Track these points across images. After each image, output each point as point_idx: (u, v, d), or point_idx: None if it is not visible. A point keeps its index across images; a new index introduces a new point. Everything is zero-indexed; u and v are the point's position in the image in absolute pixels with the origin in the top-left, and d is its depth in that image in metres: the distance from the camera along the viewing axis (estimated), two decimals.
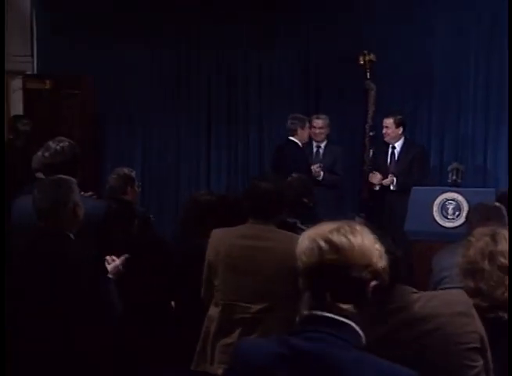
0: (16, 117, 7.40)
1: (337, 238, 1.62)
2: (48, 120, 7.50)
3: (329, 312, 1.63)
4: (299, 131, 6.70)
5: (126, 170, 4.99)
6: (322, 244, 1.62)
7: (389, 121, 6.56)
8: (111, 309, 3.12)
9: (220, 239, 3.47)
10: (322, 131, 6.87)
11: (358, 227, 1.67)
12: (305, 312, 1.66)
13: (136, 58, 7.80)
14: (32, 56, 7.74)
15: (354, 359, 1.57)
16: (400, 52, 7.27)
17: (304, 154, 6.74)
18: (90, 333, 2.95)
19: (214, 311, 3.45)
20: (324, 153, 6.94)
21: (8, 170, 6.82)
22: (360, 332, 1.64)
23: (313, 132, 6.88)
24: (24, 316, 2.97)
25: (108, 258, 3.41)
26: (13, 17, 7.39)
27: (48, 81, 7.56)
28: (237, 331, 3.35)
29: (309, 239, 1.65)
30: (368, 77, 6.84)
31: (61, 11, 7.58)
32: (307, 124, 6.78)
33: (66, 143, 3.92)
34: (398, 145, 6.63)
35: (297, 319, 1.69)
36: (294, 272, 3.29)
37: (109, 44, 7.62)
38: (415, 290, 2.17)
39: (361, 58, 6.85)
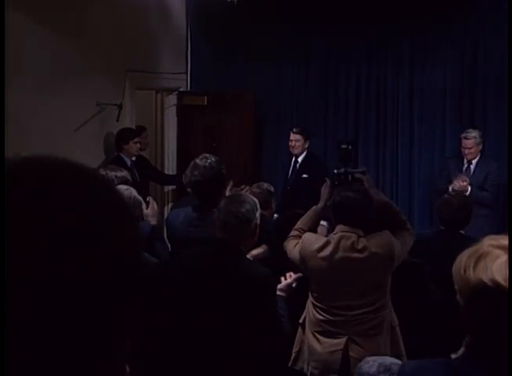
0: None
1: None
2: (205, 135, 7.72)
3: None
4: None
5: (266, 185, 5.14)
6: None
7: None
8: (282, 331, 3.12)
9: (312, 251, 3.57)
10: (471, 151, 6.62)
11: None
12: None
13: (289, 73, 7.84)
14: (186, 73, 7.96)
15: None
16: None
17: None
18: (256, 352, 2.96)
19: (311, 313, 3.59)
20: (475, 170, 6.67)
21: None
22: None
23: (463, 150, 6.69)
24: (189, 325, 3.00)
25: (288, 274, 3.43)
26: (168, 36, 7.64)
27: (206, 98, 7.71)
28: (333, 333, 3.53)
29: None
30: None
31: (216, 29, 7.76)
32: None
33: (213, 159, 4.03)
34: None
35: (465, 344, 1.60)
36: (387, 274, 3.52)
37: (262, 61, 7.69)
38: None
39: None
